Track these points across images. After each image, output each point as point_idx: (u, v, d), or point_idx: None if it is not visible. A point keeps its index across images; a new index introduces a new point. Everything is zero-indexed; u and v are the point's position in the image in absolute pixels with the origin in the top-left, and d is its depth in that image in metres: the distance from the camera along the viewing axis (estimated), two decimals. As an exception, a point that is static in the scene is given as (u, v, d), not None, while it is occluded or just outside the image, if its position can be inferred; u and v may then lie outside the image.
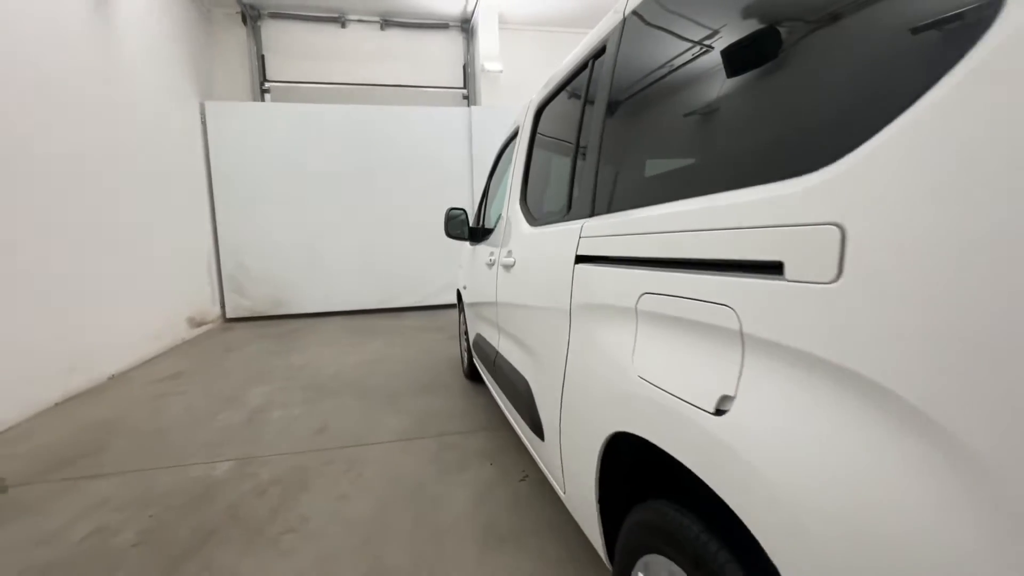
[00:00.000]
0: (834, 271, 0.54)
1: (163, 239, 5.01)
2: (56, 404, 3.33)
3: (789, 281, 0.59)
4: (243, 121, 6.23)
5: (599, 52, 1.31)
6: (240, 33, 6.68)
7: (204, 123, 6.11)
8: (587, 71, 1.39)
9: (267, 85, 6.84)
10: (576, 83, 1.51)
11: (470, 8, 6.83)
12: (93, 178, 3.91)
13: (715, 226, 0.73)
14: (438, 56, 7.34)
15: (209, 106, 6.12)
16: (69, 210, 3.61)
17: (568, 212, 1.37)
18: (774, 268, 0.62)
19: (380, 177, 6.66)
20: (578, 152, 1.36)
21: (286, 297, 6.58)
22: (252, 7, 6.58)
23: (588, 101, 1.35)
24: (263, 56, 6.81)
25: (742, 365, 0.67)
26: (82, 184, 3.78)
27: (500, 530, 1.78)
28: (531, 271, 1.65)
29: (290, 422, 2.88)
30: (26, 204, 3.22)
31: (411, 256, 6.80)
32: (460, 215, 2.87)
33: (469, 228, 2.83)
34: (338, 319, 6.44)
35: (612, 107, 1.19)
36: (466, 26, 7.29)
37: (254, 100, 6.77)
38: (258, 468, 2.32)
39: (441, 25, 7.24)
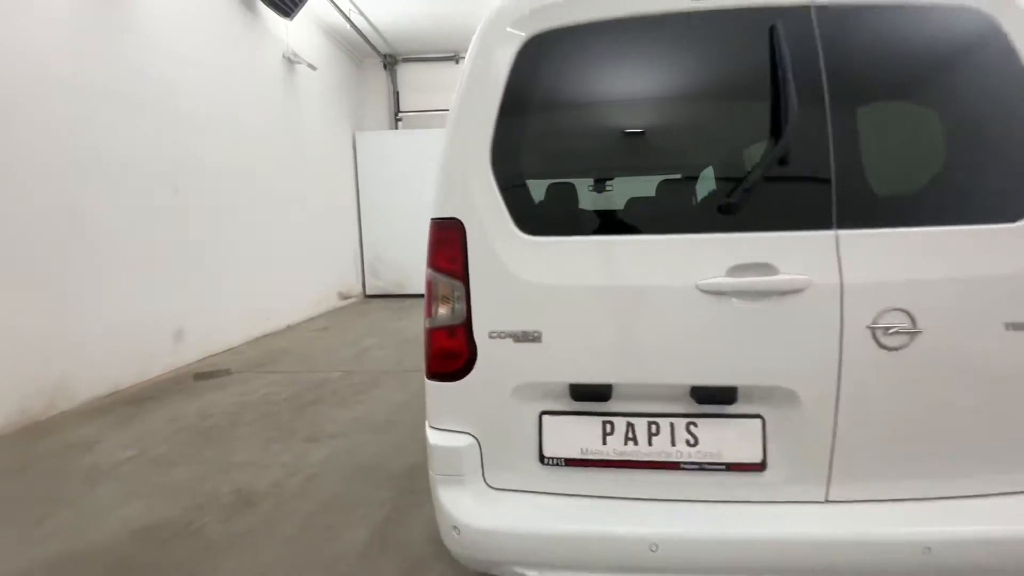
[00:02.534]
0: None
1: (325, 235, 7.03)
2: (256, 338, 5.30)
3: None
4: (382, 145, 8.16)
5: None
6: (381, 75, 8.64)
7: (355, 148, 8.16)
8: None
9: (400, 115, 8.72)
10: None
11: (559, 35, 7.87)
12: (279, 192, 5.90)
13: None
14: (534, 78, 8.52)
15: (358, 135, 8.15)
16: (271, 217, 5.60)
17: None
18: None
19: (480, 184, 8.08)
20: None
21: (407, 281, 8.39)
22: (390, 55, 8.49)
23: None
24: (397, 92, 8.70)
25: None
26: (272, 197, 5.77)
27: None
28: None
29: (382, 357, 4.35)
30: (246, 215, 5.20)
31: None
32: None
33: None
34: (444, 300, 8.03)
35: None
36: (557, 50, 8.34)
37: (390, 128, 8.69)
38: (354, 376, 3.78)
39: (536, 52, 8.40)
